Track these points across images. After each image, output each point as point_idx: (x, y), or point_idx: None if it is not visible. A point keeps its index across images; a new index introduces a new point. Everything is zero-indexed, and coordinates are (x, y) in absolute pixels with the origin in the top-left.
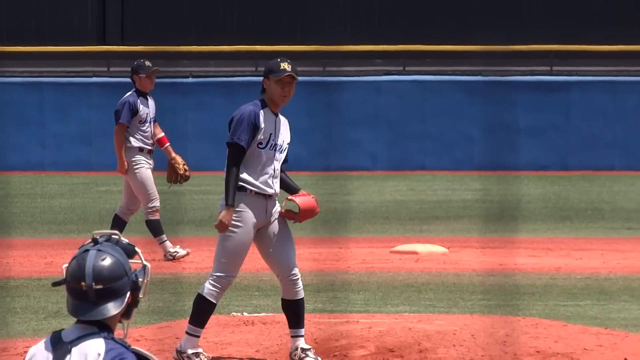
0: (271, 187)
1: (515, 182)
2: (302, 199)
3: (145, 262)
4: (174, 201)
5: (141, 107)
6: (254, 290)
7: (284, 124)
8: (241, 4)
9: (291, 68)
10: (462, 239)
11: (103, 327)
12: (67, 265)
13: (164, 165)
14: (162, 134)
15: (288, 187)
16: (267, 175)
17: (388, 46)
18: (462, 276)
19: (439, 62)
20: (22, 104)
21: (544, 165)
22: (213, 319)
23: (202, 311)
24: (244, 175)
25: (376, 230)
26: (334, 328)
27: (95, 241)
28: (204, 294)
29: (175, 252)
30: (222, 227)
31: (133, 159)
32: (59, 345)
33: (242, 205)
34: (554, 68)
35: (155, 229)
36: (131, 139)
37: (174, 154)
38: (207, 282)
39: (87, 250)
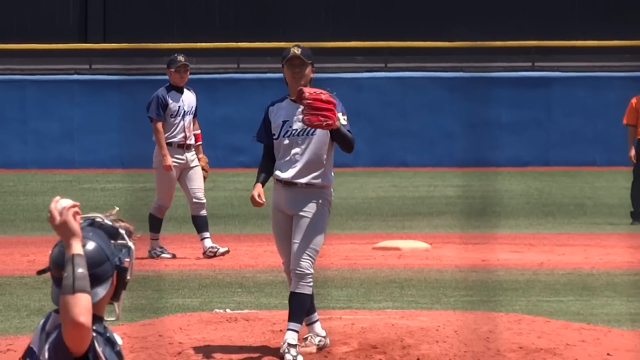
0: (283, 172)
1: (497, 178)
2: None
3: (129, 244)
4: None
5: (171, 101)
6: (237, 287)
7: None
8: (223, 1)
9: (300, 51)
10: (444, 235)
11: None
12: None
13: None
14: (198, 131)
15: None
16: (282, 162)
17: (369, 43)
18: (445, 272)
19: (420, 59)
20: (4, 101)
21: (525, 161)
22: (195, 316)
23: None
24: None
25: (359, 226)
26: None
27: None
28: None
29: (161, 251)
30: (252, 199)
31: (158, 154)
32: (42, 334)
33: (273, 192)
34: (535, 64)
35: (153, 224)
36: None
37: (200, 155)
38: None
39: None
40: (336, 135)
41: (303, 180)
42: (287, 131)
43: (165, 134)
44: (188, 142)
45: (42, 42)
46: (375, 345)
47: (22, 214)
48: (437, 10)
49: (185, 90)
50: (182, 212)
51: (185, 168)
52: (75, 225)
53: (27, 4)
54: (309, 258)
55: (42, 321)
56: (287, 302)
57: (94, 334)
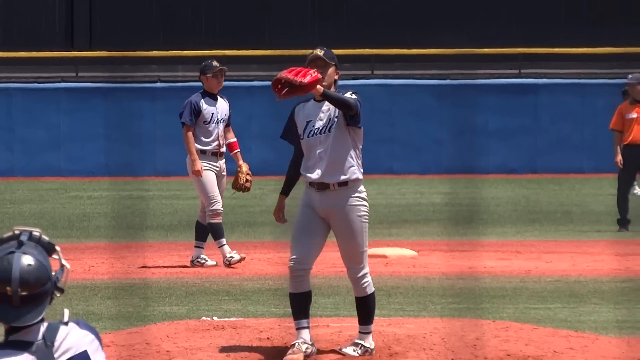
0: (311, 173)
1: (484, 185)
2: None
3: (64, 262)
4: (143, 206)
5: (205, 107)
6: (224, 295)
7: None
8: (209, 9)
9: (323, 53)
10: (431, 243)
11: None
12: None
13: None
14: (234, 139)
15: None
16: (309, 162)
17: (355, 50)
18: (432, 279)
19: (407, 66)
20: None
21: (512, 168)
22: (182, 323)
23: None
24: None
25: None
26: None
27: (19, 242)
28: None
29: (231, 257)
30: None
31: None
32: (33, 346)
33: (305, 191)
34: (522, 71)
35: (215, 232)
36: (195, 141)
37: (241, 162)
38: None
39: (12, 252)
40: (326, 98)
41: (333, 181)
42: (311, 130)
43: (201, 141)
44: (222, 150)
45: (28, 49)
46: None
47: (9, 222)
48: (423, 17)
49: (218, 97)
50: (169, 220)
51: (218, 175)
52: None
53: (13, 11)
54: (358, 261)
55: None
56: (274, 310)
57: None
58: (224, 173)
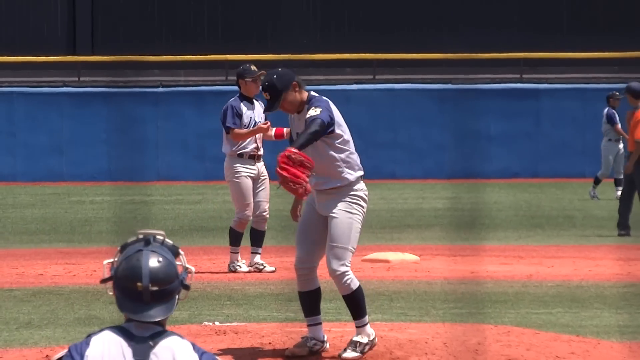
0: (309, 179)
1: (486, 190)
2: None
3: (187, 265)
4: (145, 211)
5: (245, 111)
6: (226, 300)
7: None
8: (211, 14)
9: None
10: (433, 247)
11: (161, 326)
12: (110, 261)
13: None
14: (274, 129)
15: None
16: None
17: (358, 55)
18: (434, 284)
19: (409, 71)
20: None
21: (514, 173)
22: (184, 328)
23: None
24: None
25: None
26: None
27: (147, 241)
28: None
29: (239, 266)
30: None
31: (232, 167)
32: (136, 339)
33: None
34: (524, 76)
35: (234, 238)
36: (230, 144)
37: None
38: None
39: (140, 251)
40: (301, 148)
41: (326, 187)
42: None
43: (236, 144)
44: (259, 152)
45: (30, 54)
46: (364, 358)
47: (11, 227)
48: (425, 22)
49: (254, 101)
50: (171, 225)
51: (257, 179)
52: None
53: (15, 16)
54: (337, 258)
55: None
56: (276, 314)
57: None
58: (264, 176)
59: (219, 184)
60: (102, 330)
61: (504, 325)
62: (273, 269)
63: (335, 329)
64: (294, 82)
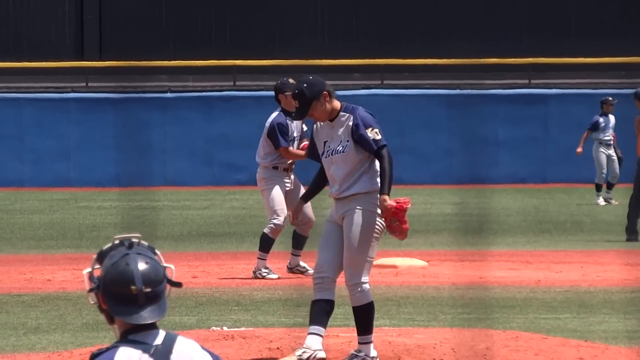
0: (331, 188)
1: (494, 195)
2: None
3: (166, 264)
4: (152, 216)
5: (289, 126)
6: (234, 305)
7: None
8: (219, 19)
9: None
10: (441, 253)
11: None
12: (89, 270)
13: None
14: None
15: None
16: (329, 179)
17: (365, 60)
18: (442, 289)
19: (417, 76)
20: (0, 119)
21: (522, 178)
22: (192, 333)
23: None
24: None
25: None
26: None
27: (130, 244)
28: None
29: (267, 273)
30: None
31: (267, 176)
32: (152, 349)
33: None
34: (532, 81)
35: (265, 243)
36: (267, 156)
37: None
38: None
39: (126, 254)
40: (389, 190)
41: (348, 193)
42: (327, 151)
43: (274, 157)
44: (293, 166)
45: (38, 60)
46: None
47: (19, 232)
48: (433, 27)
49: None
50: (179, 230)
51: (292, 189)
52: None
53: (23, 22)
54: (352, 267)
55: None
56: (284, 320)
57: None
58: (297, 184)
59: (226, 190)
60: (113, 348)
61: (512, 331)
62: (310, 270)
63: (344, 334)
64: (325, 92)
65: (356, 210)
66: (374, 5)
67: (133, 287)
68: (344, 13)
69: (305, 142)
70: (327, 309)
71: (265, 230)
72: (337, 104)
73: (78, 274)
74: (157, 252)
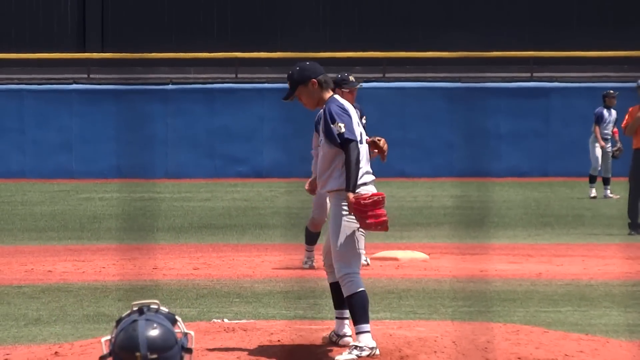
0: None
1: (495, 189)
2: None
3: (186, 330)
4: (154, 208)
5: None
6: (234, 297)
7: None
8: (221, 11)
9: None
10: (442, 246)
11: None
12: (107, 338)
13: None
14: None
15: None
16: None
17: (367, 53)
18: (443, 282)
19: (419, 69)
20: (2, 111)
21: (524, 172)
22: (193, 325)
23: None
24: None
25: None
26: (315, 335)
27: (140, 311)
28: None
29: (312, 264)
30: None
31: None
32: None
33: None
34: (534, 74)
35: (308, 237)
36: (312, 152)
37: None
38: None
39: (135, 321)
40: (354, 188)
41: (325, 189)
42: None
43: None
44: None
45: (40, 51)
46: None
47: (20, 224)
48: (435, 20)
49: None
50: (180, 222)
51: None
52: None
53: (25, 13)
54: (338, 260)
55: None
56: (285, 312)
57: None
58: None
59: (228, 182)
60: None
61: (513, 324)
62: (367, 262)
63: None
64: (314, 80)
65: (333, 208)
66: None
67: (137, 354)
68: (346, 6)
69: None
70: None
71: (307, 223)
72: (327, 95)
73: (79, 266)
74: (178, 319)
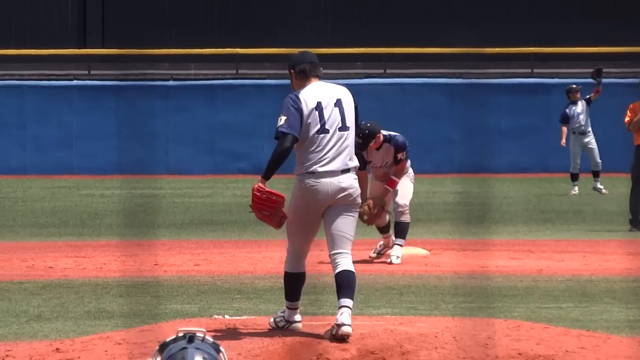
0: None
1: (496, 185)
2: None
3: None
4: (154, 204)
5: None
6: (235, 293)
7: None
8: (221, 7)
9: None
10: (443, 242)
11: None
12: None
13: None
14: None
15: None
16: None
17: (368, 49)
18: (444, 278)
19: (420, 65)
20: (3, 107)
21: (524, 168)
22: (194, 322)
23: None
24: None
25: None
26: (316, 330)
27: (189, 338)
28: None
29: (398, 259)
30: None
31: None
32: None
33: None
34: (535, 70)
35: (400, 230)
36: None
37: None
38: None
39: (185, 348)
40: (269, 175)
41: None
42: None
43: None
44: None
45: (41, 47)
46: (373, 351)
47: (21, 220)
48: (436, 16)
49: None
50: (181, 218)
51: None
52: None
53: (26, 9)
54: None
55: None
56: None
57: None
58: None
59: (229, 178)
60: None
61: (514, 320)
62: (399, 261)
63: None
64: (291, 70)
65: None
66: None
67: None
68: (347, 2)
69: None
70: (349, 278)
71: (401, 218)
72: (307, 84)
73: (80, 262)
74: (222, 349)
